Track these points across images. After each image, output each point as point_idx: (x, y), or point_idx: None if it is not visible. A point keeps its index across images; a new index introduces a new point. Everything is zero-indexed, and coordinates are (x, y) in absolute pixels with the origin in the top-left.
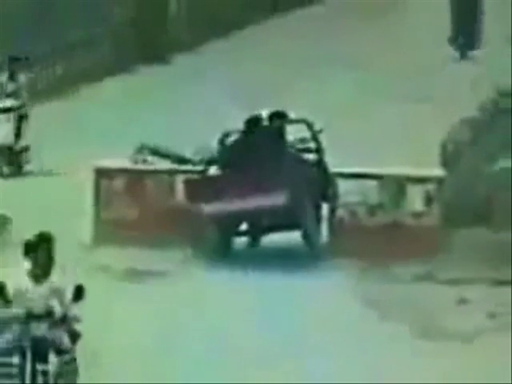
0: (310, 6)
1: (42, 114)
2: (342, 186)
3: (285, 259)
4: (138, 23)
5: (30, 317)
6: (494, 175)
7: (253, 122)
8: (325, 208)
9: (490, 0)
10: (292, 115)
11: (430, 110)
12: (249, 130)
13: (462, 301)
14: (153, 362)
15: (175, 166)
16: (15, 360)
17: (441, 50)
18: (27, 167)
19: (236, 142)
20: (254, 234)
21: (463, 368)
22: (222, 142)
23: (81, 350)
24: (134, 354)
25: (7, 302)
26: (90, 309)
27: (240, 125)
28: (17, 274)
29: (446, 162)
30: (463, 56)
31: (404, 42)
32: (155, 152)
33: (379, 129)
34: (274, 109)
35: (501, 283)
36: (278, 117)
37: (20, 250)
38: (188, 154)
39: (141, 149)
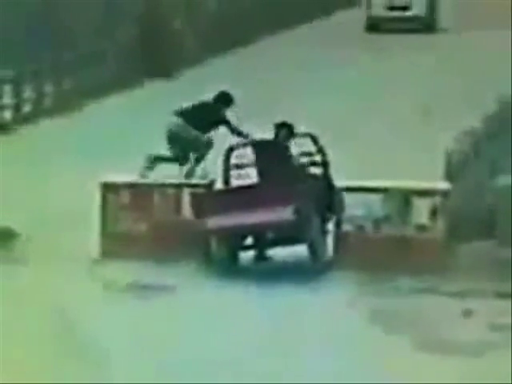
0: (313, 21)
1: (49, 129)
2: (348, 199)
3: (290, 273)
4: (144, 39)
5: None
6: (499, 188)
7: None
8: (330, 222)
9: None
10: (298, 128)
11: (435, 122)
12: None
13: (467, 313)
14: (157, 374)
15: (182, 181)
16: None
17: (446, 62)
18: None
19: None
20: (260, 248)
21: (468, 381)
22: (227, 156)
23: (86, 363)
24: (139, 367)
25: None
26: (96, 321)
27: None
28: None
29: (450, 175)
30: None
31: (408, 53)
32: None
33: (383, 141)
34: (278, 121)
35: (505, 296)
36: (285, 127)
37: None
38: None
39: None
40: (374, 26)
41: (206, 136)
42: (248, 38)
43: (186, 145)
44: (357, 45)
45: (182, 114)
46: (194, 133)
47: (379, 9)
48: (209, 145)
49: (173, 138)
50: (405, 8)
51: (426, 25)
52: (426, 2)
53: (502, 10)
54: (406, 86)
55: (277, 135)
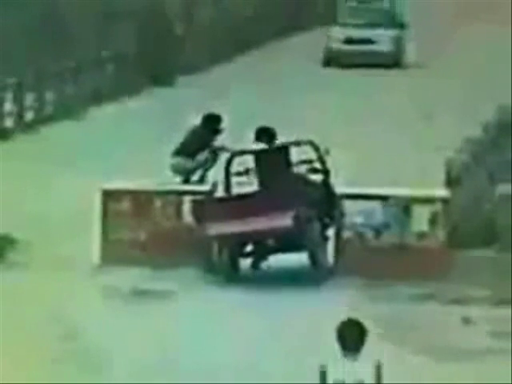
0: (311, 31)
1: (50, 136)
2: (348, 206)
3: (291, 279)
4: (145, 46)
5: None
6: (498, 196)
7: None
8: (330, 229)
9: None
10: (297, 136)
11: (435, 130)
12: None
13: (466, 321)
14: (158, 379)
15: (182, 187)
16: None
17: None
18: None
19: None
20: (258, 256)
21: None
22: (229, 162)
23: (86, 369)
24: (140, 372)
25: None
26: (96, 327)
27: (246, 145)
28: None
29: (450, 183)
30: None
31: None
32: None
33: (384, 149)
34: (279, 130)
35: (505, 303)
36: (266, 133)
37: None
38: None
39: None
40: (332, 60)
41: (210, 151)
42: (249, 46)
43: (193, 170)
44: None
45: (178, 152)
46: (195, 161)
47: (338, 42)
48: (215, 157)
49: (180, 173)
50: (367, 41)
51: (392, 60)
52: (390, 36)
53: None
54: (408, 93)
55: (258, 140)
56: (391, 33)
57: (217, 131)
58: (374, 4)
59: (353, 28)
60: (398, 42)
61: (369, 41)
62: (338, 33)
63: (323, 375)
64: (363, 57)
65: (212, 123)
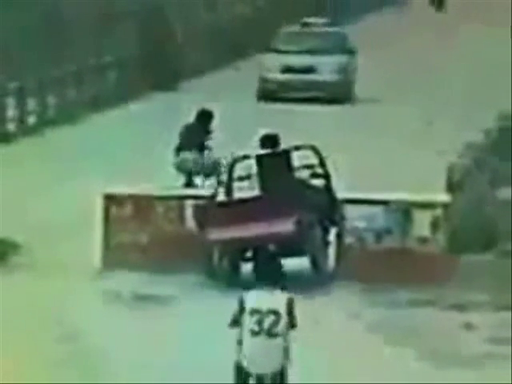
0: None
1: (52, 140)
2: (349, 211)
3: (292, 284)
4: (146, 51)
5: None
6: (499, 201)
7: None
8: (332, 233)
9: None
10: (298, 141)
11: (436, 135)
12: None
13: (467, 326)
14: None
15: (184, 192)
16: None
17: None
18: None
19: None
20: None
21: None
22: (231, 167)
23: (87, 373)
24: (140, 377)
25: None
26: (97, 332)
27: (248, 151)
28: None
29: (451, 187)
30: None
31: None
32: None
33: (386, 154)
34: (278, 135)
35: (505, 308)
36: (270, 140)
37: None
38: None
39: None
40: (267, 92)
41: (212, 160)
42: (251, 51)
43: (195, 172)
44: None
45: (179, 149)
46: (200, 162)
47: (273, 71)
48: (216, 165)
49: (183, 170)
50: (308, 70)
51: (339, 93)
52: (336, 63)
53: None
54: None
55: (262, 147)
56: (337, 59)
57: (208, 131)
58: (319, 28)
59: (291, 55)
60: (346, 71)
61: (310, 69)
62: (273, 60)
63: (241, 303)
64: (303, 88)
65: (205, 119)
